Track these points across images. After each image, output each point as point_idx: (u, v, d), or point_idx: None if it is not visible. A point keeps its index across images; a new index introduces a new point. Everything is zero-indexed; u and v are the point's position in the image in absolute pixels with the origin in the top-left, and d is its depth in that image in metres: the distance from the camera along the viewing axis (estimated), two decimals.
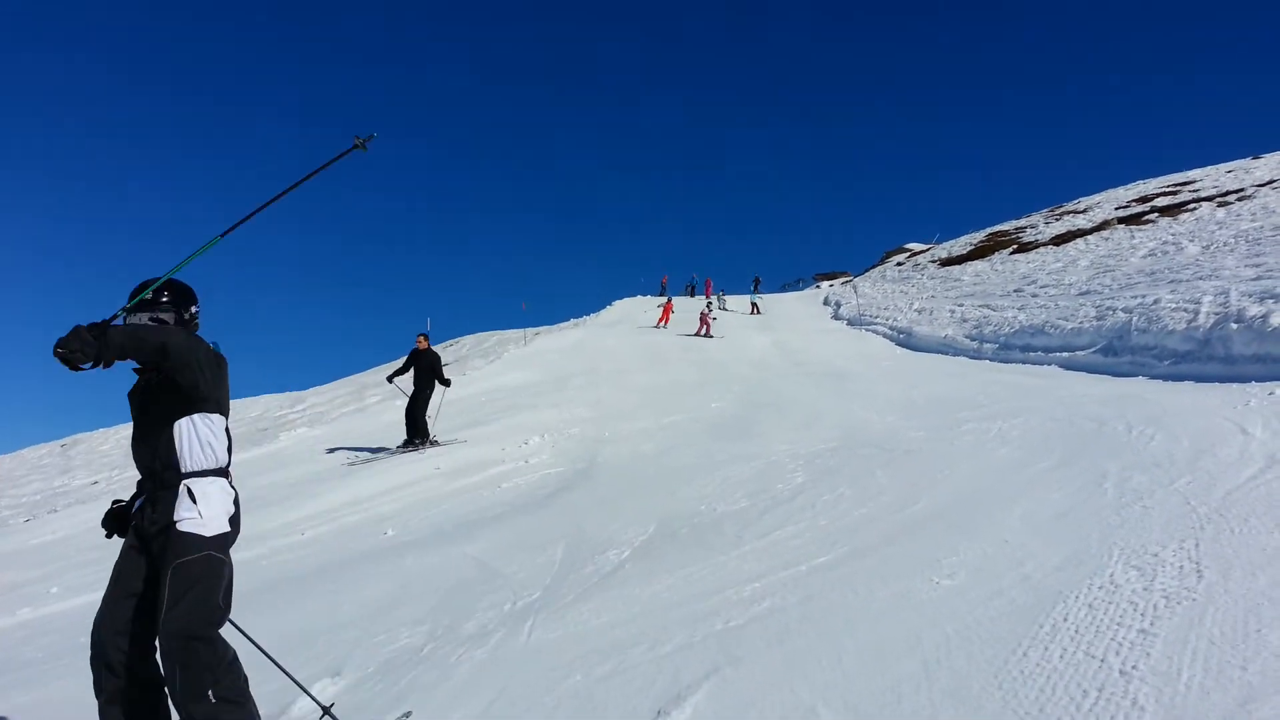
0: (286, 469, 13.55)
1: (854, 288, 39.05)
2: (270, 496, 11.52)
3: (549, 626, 5.20)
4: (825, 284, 53.55)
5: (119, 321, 3.45)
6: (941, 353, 19.98)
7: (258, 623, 6.43)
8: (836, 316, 32.89)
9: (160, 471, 3.66)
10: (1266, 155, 39.57)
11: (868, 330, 26.80)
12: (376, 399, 23.76)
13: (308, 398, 35.49)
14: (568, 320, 41.73)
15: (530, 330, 38.69)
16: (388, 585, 6.91)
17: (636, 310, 38.71)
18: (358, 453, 14.30)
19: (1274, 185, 27.38)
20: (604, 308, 43.17)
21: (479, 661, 4.80)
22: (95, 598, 7.66)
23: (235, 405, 36.96)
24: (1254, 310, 11.13)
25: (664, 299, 41.39)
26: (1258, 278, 14.01)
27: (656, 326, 32.62)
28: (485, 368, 25.32)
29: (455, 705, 4.26)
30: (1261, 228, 20.45)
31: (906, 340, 23.01)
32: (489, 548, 7.63)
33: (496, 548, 7.58)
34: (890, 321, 26.18)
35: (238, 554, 8.91)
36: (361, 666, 5.09)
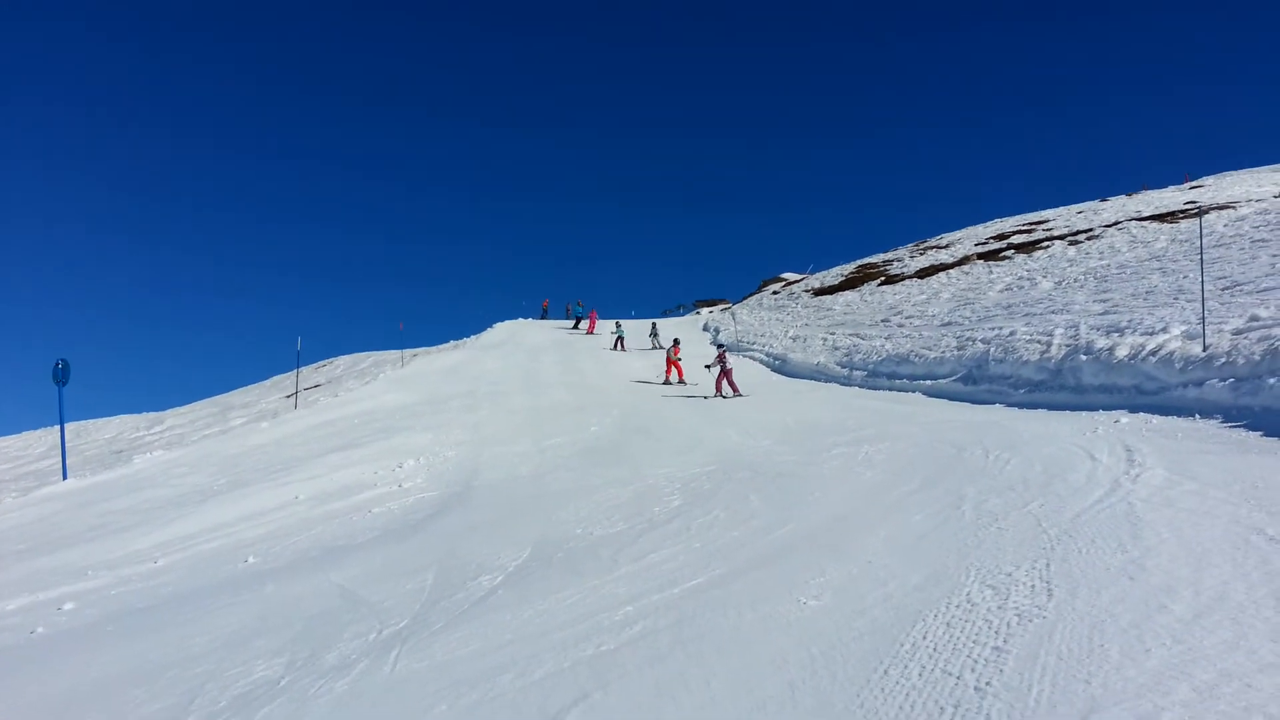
0: (140, 493, 12.80)
1: (732, 314, 39.77)
2: (121, 522, 10.86)
3: (415, 656, 5.04)
4: (705, 310, 54.34)
5: None
6: (814, 379, 20.52)
7: (102, 656, 6.05)
8: (715, 342, 33.43)
9: None
10: (1113, 198, 42.44)
11: (745, 356, 27.30)
12: (241, 420, 22.83)
13: (167, 419, 33.83)
14: (448, 342, 41.04)
15: (408, 351, 37.88)
16: (245, 615, 6.59)
17: (519, 333, 38.37)
18: (219, 476, 13.64)
19: (1119, 226, 29.33)
20: (485, 329, 42.67)
21: (339, 694, 4.61)
22: None
23: (87, 426, 34.94)
24: (1101, 343, 11.85)
25: (544, 320, 41.10)
26: (1105, 312, 14.95)
27: (667, 382, 22.15)
28: (360, 389, 24.63)
29: None
30: (1108, 265, 21.86)
31: (781, 366, 23.55)
32: (356, 575, 7.37)
33: (364, 575, 7.33)
34: (766, 348, 26.76)
35: (83, 583, 8.40)
36: (213, 701, 4.81)
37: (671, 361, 22.27)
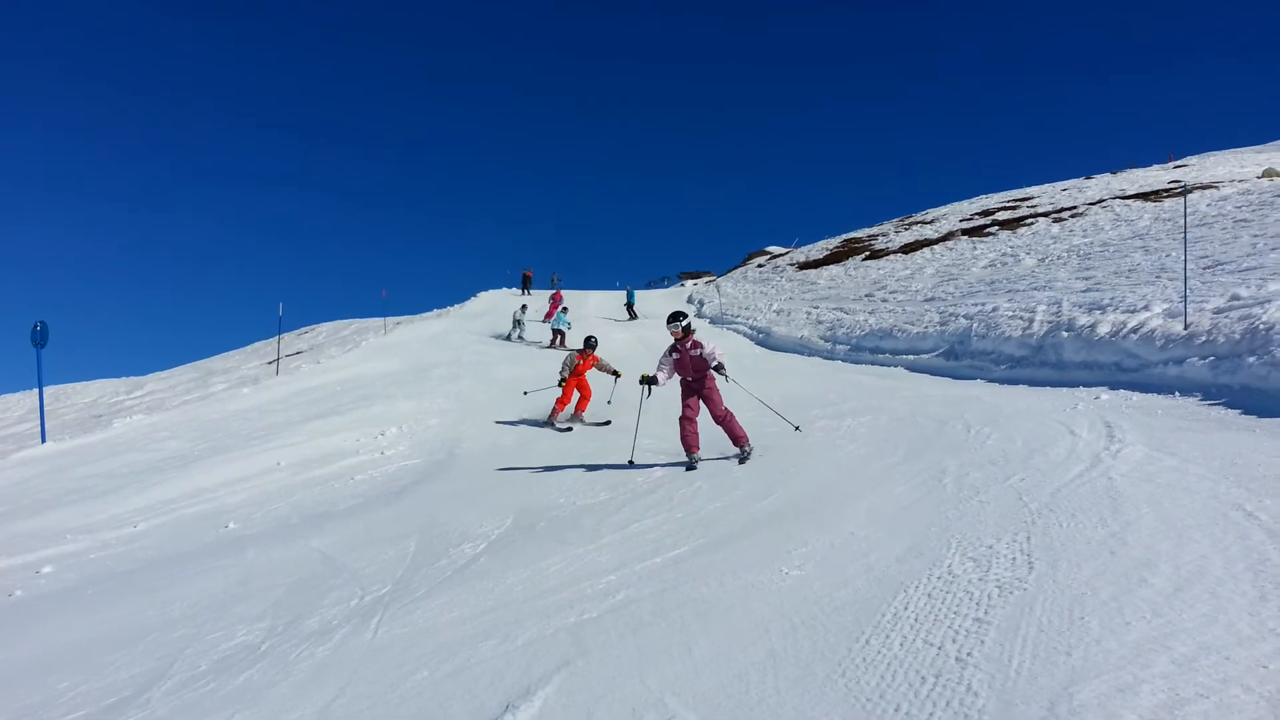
0: (119, 457, 12.70)
1: (717, 287, 39.71)
2: (100, 486, 10.79)
3: (397, 622, 5.04)
4: (690, 282, 54.27)
5: None
6: (798, 352, 20.55)
7: (81, 619, 6.02)
8: (700, 314, 33.35)
9: None
10: (1097, 176, 42.53)
11: (729, 329, 27.32)
12: (222, 386, 22.67)
13: (147, 383, 33.55)
14: (431, 310, 40.82)
15: (391, 319, 37.66)
16: (226, 580, 6.57)
17: (502, 302, 38.19)
18: (200, 442, 13.55)
19: (1103, 204, 29.40)
20: (468, 299, 42.43)
21: (320, 659, 4.60)
22: None
23: (66, 390, 34.62)
24: (1083, 320, 11.90)
25: (526, 295, 40.48)
26: (1087, 290, 15.00)
27: (553, 422, 13.05)
28: (342, 356, 24.49)
29: (292, 705, 4.06)
30: (1091, 243, 21.92)
31: (765, 339, 23.57)
32: (338, 541, 7.35)
33: (346, 541, 7.31)
34: (750, 321, 26.75)
35: (62, 546, 8.34)
36: (193, 665, 4.80)
37: (576, 378, 13.06)
